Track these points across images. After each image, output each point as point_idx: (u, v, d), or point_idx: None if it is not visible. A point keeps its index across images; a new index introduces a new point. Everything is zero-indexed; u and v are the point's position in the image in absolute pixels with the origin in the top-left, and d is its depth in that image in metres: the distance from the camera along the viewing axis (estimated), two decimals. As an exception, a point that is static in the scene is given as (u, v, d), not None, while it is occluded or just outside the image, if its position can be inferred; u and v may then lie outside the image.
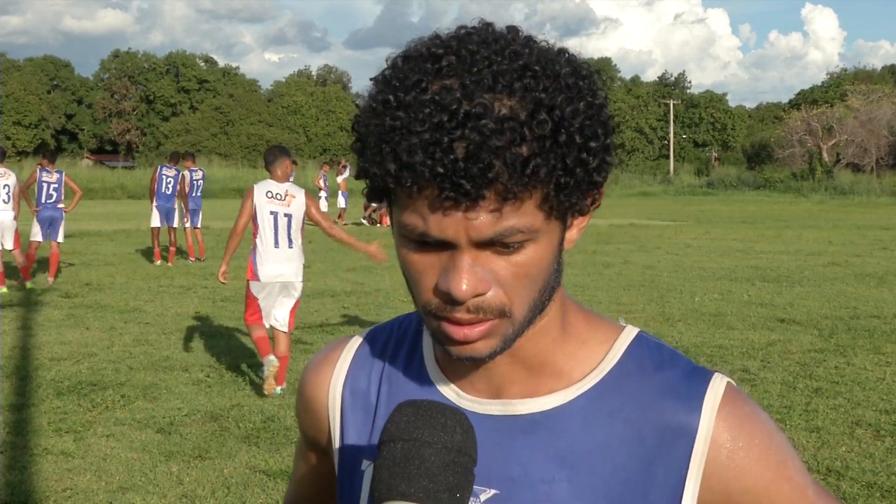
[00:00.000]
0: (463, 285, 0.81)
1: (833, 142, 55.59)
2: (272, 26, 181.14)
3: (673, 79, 79.83)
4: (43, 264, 13.19)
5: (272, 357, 6.46)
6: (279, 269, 6.52)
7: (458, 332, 0.85)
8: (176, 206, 14.99)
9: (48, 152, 13.33)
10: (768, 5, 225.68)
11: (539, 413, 0.92)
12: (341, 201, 24.47)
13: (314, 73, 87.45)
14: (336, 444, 1.04)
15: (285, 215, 6.52)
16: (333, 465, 1.05)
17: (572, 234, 0.90)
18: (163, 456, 5.26)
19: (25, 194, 12.25)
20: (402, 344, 1.03)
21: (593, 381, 0.93)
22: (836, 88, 69.00)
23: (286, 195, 6.55)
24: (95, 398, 6.45)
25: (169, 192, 14.87)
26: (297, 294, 6.67)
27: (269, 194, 6.53)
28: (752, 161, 66.93)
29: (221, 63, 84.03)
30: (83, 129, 76.22)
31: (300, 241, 6.64)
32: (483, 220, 0.80)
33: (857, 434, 5.64)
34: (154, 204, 14.79)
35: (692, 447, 0.90)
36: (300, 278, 6.66)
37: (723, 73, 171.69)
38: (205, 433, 5.69)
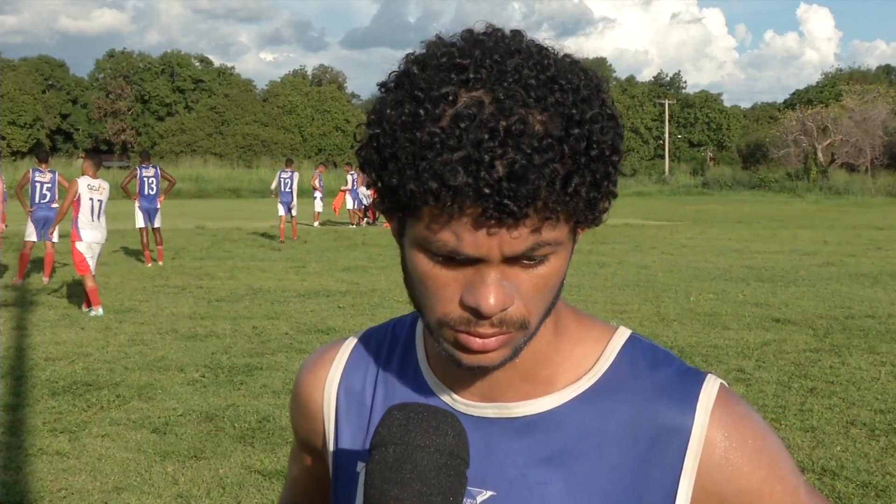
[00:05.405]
0: (492, 300, 0.80)
1: (828, 142, 55.62)
2: (269, 26, 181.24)
3: (668, 78, 79.94)
4: (37, 264, 13.16)
5: (101, 310, 9.69)
6: (95, 236, 9.97)
7: (475, 343, 0.83)
8: (159, 205, 14.96)
9: (41, 152, 13.27)
10: (764, 5, 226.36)
11: (534, 415, 0.92)
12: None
13: (309, 72, 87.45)
14: (330, 445, 1.04)
15: (98, 200, 10.03)
16: (328, 467, 1.05)
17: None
18: (158, 456, 5.26)
19: (20, 195, 12.22)
20: (396, 347, 1.03)
21: (588, 382, 0.93)
22: (831, 88, 69.07)
23: (99, 186, 10.08)
24: (90, 398, 6.44)
25: (153, 193, 14.86)
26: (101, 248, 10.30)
27: (90, 186, 10.05)
28: (748, 161, 66.96)
29: (217, 63, 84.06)
30: (78, 129, 76.05)
31: (104, 216, 10.19)
32: (521, 238, 0.79)
33: (851, 434, 5.64)
34: (137, 205, 14.83)
35: (686, 447, 0.90)
36: (105, 239, 10.33)
37: (719, 73, 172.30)
38: (200, 433, 5.69)
